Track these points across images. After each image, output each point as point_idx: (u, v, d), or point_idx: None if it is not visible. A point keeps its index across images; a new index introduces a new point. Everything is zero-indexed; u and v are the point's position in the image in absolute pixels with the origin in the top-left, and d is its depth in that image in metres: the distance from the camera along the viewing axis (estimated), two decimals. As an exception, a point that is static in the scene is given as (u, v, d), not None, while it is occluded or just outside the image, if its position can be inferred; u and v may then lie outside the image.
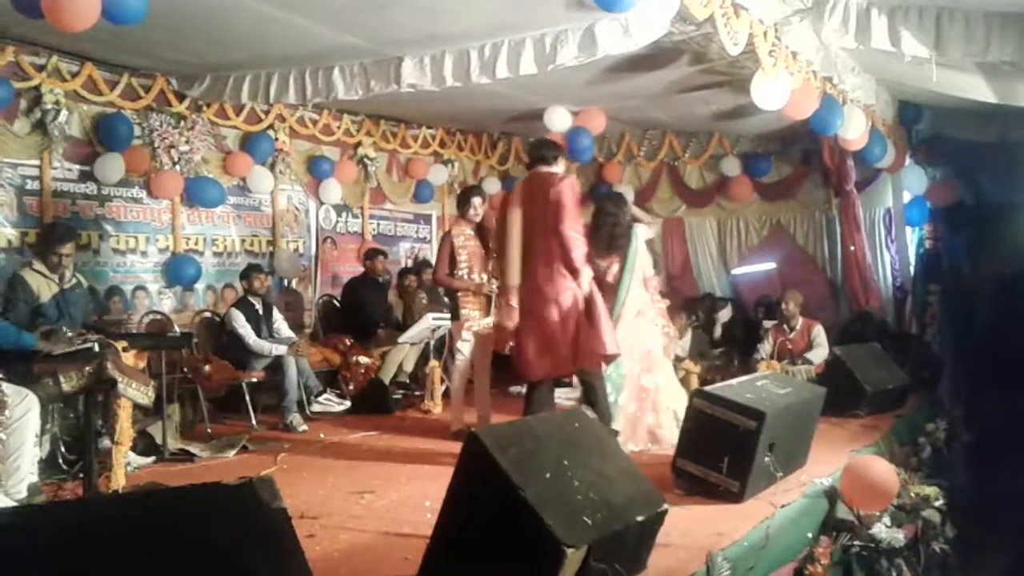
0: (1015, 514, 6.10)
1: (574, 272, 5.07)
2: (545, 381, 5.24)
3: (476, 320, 6.13)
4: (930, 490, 4.79)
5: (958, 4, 5.01)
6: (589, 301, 5.11)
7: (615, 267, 5.83)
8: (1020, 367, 7.64)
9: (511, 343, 5.35)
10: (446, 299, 7.06)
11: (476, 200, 6.24)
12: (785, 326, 7.83)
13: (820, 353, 7.57)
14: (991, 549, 5.83)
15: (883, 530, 4.27)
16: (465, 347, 6.14)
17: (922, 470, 5.70)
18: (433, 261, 9.64)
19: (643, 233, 5.99)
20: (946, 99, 6.99)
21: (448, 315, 6.96)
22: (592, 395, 5.20)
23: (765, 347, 7.84)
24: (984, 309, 8.94)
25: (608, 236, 5.73)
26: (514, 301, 5.16)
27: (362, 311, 8.05)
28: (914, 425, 6.53)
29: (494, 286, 6.10)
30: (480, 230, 6.29)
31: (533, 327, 5.11)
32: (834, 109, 6.32)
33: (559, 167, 5.36)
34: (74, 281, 5.33)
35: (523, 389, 8.19)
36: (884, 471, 4.38)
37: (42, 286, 5.09)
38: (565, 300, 5.06)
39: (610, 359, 5.23)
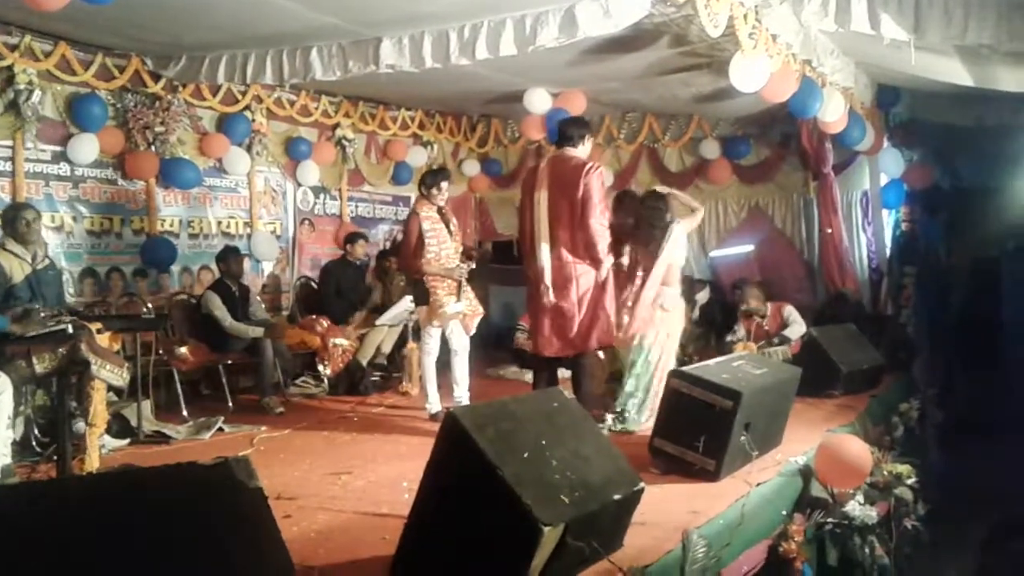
0: (985, 491, 6.20)
1: (597, 263, 5.27)
2: (554, 359, 5.48)
3: (448, 305, 6.06)
4: (903, 468, 4.84)
5: (936, -13, 5.03)
6: (602, 289, 5.34)
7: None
8: (992, 349, 7.76)
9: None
10: (402, 283, 6.98)
11: (445, 184, 6.17)
12: (755, 317, 7.85)
13: (797, 330, 7.63)
14: (962, 526, 5.92)
15: (856, 508, 4.31)
16: (436, 333, 6.11)
17: (895, 449, 5.75)
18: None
19: (683, 228, 5.88)
20: (924, 82, 7.02)
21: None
22: (580, 380, 5.41)
23: (739, 330, 7.90)
24: (958, 291, 9.05)
25: (649, 233, 5.72)
26: (548, 280, 5.34)
27: (340, 293, 8.02)
28: (888, 405, 6.59)
29: (464, 270, 6.10)
30: (441, 212, 6.17)
31: (550, 308, 5.34)
32: (813, 92, 6.34)
33: (585, 146, 5.50)
34: (47, 262, 5.27)
35: (500, 371, 8.33)
36: (857, 450, 4.43)
37: (15, 267, 5.03)
38: (583, 285, 5.29)
39: (603, 347, 5.45)
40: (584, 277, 5.31)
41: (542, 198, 5.40)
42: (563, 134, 5.53)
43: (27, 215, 5.16)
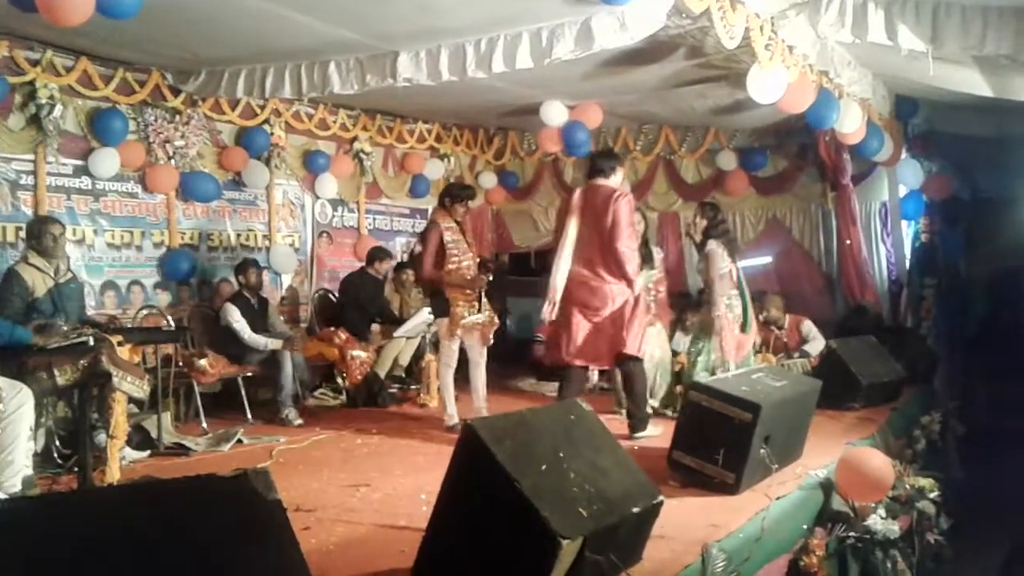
0: (1009, 506, 6.12)
1: (629, 281, 5.60)
2: (583, 368, 5.78)
3: (468, 317, 6.11)
4: (925, 482, 4.80)
5: (954, -3, 5.01)
6: (634, 305, 5.63)
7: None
8: (1014, 360, 7.66)
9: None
10: (418, 293, 6.99)
11: (470, 203, 6.35)
12: (772, 327, 7.83)
13: (816, 345, 7.58)
14: (986, 541, 5.85)
15: (878, 522, 4.27)
16: (456, 344, 6.13)
17: (917, 462, 5.71)
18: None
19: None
20: (942, 93, 6.98)
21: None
22: (632, 382, 5.75)
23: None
24: (979, 303, 8.97)
25: (731, 241, 6.33)
26: (557, 298, 5.67)
27: (358, 305, 8.04)
28: (909, 418, 6.54)
29: (484, 281, 6.19)
30: (459, 224, 6.25)
31: (585, 321, 5.65)
32: (830, 103, 6.32)
33: (617, 176, 5.86)
34: (69, 275, 5.31)
35: (518, 384, 8.33)
36: (879, 463, 4.39)
37: (37, 280, 5.07)
38: (617, 302, 5.61)
39: (628, 359, 5.68)
40: (619, 297, 5.62)
41: (572, 223, 5.76)
42: (595, 167, 5.90)
43: (54, 230, 5.20)
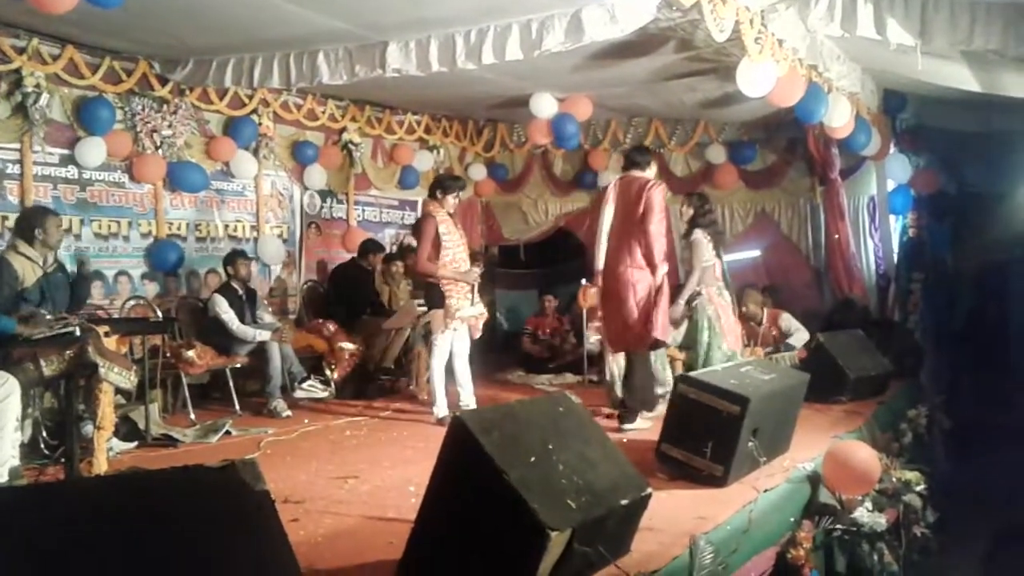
0: (995, 499, 6.17)
1: (653, 266, 5.75)
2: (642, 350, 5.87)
3: (465, 308, 6.13)
4: (912, 475, 4.83)
5: (943, -8, 5.02)
6: (658, 292, 5.76)
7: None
8: (1000, 354, 7.72)
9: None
10: (408, 285, 7.05)
11: (461, 195, 6.41)
12: (752, 323, 7.85)
13: (800, 337, 7.63)
14: (972, 534, 5.89)
15: (865, 514, 4.30)
16: (448, 336, 6.14)
17: (903, 455, 5.74)
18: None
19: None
20: (931, 88, 7.00)
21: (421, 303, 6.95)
22: (631, 374, 5.85)
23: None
24: (966, 297, 9.02)
25: (718, 234, 6.47)
26: (599, 282, 5.99)
27: (347, 297, 8.02)
28: (896, 411, 6.58)
29: (477, 273, 6.22)
30: (451, 216, 6.31)
31: (615, 309, 5.84)
32: (819, 97, 6.33)
33: (651, 170, 6.09)
34: (56, 265, 5.28)
35: (507, 376, 8.34)
36: (866, 456, 4.42)
37: (27, 269, 5.03)
38: (641, 288, 5.75)
39: (658, 345, 5.86)
40: (641, 284, 5.77)
41: (607, 212, 5.97)
42: (630, 160, 6.15)
43: (53, 223, 5.15)
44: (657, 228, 5.76)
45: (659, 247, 5.75)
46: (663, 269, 5.82)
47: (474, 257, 6.45)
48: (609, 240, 5.92)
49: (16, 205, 6.26)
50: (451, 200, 6.26)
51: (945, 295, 8.84)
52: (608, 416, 6.09)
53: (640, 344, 5.82)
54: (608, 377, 6.22)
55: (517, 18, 5.51)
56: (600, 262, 5.96)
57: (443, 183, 6.39)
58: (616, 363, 6.10)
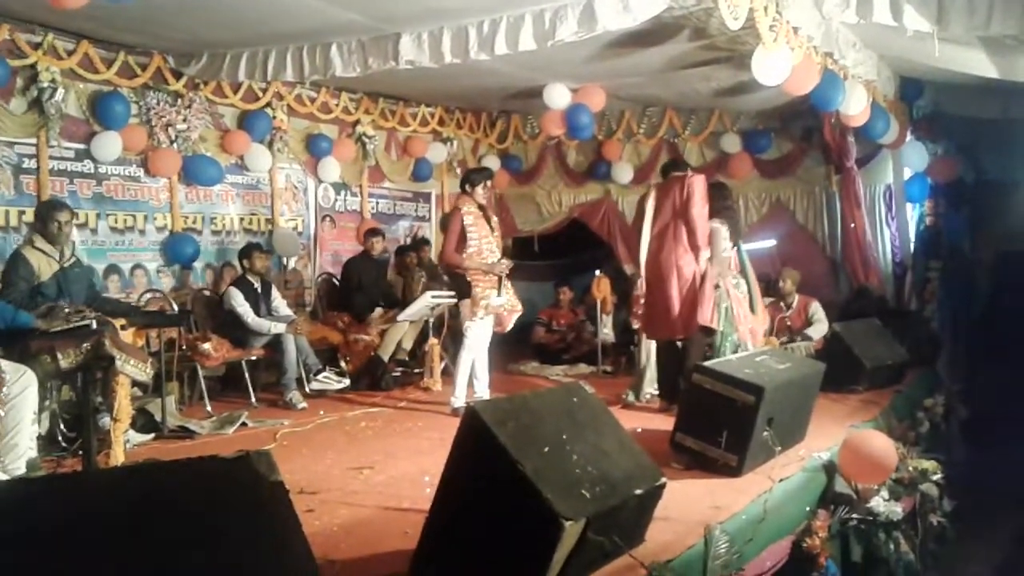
0: (1012, 488, 6.13)
1: (696, 250, 5.93)
2: (691, 336, 5.98)
3: (491, 298, 6.16)
4: (928, 464, 4.81)
5: (960, -23, 4.96)
6: (703, 278, 5.90)
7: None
8: (1018, 343, 7.65)
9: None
10: (446, 277, 7.10)
11: (489, 183, 6.45)
12: (782, 303, 7.84)
13: (820, 328, 7.58)
14: (988, 523, 5.86)
15: (881, 504, 4.28)
16: (478, 326, 6.17)
17: (920, 445, 5.71)
18: (432, 239, 9.71)
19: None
20: (948, 75, 6.94)
21: (448, 293, 6.99)
22: (687, 360, 5.83)
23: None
24: (983, 286, 8.95)
25: (735, 223, 6.50)
26: (643, 273, 6.18)
27: (361, 289, 8.04)
28: (913, 400, 6.54)
29: (504, 266, 6.23)
30: (483, 209, 6.36)
31: (659, 295, 6.00)
32: (835, 85, 6.28)
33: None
34: (73, 259, 5.31)
35: (521, 367, 8.37)
36: (882, 445, 4.40)
37: (43, 264, 5.07)
38: (686, 273, 5.92)
39: (705, 330, 5.94)
40: (686, 268, 5.93)
41: (649, 205, 6.17)
42: (669, 166, 6.52)
43: (61, 216, 5.17)
44: (700, 212, 5.93)
45: (702, 231, 5.94)
46: (706, 253, 5.97)
47: (505, 250, 6.49)
48: (652, 234, 6.12)
49: (33, 199, 6.30)
50: (480, 191, 6.32)
51: (962, 284, 8.77)
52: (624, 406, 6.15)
53: (686, 330, 5.93)
54: (640, 365, 6.37)
55: (530, 8, 5.50)
56: (643, 258, 6.15)
57: (469, 175, 6.51)
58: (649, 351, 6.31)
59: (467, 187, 6.40)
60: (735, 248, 6.30)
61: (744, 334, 6.06)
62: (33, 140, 6.35)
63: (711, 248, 6.17)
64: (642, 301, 6.33)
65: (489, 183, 6.41)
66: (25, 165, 6.34)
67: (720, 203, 6.38)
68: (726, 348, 6.05)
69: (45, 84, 6.25)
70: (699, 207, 5.95)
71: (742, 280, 6.28)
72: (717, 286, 6.11)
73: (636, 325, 6.73)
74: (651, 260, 6.10)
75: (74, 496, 2.07)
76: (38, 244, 5.14)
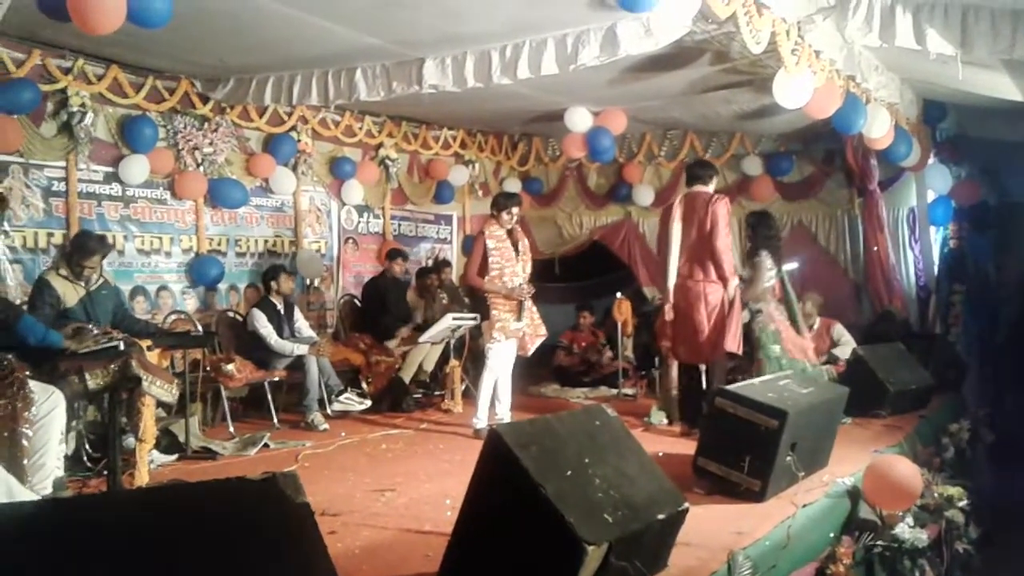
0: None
1: (724, 281, 5.97)
2: (716, 360, 6.02)
3: (508, 322, 6.17)
4: (954, 490, 4.75)
5: (984, 1, 4.95)
6: (731, 304, 5.95)
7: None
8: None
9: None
10: (467, 299, 7.15)
11: (516, 210, 6.44)
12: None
13: (846, 350, 7.52)
14: (1015, 550, 5.77)
15: (906, 530, 4.24)
16: (498, 348, 6.20)
17: (945, 470, 5.65)
18: (453, 261, 9.75)
19: None
20: (971, 97, 6.91)
21: (469, 315, 7.03)
22: (710, 383, 5.92)
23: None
24: (1008, 309, 8.85)
25: (777, 250, 6.52)
26: (671, 298, 6.15)
27: (382, 311, 8.08)
28: (937, 425, 6.47)
29: (525, 290, 6.23)
30: (510, 234, 6.39)
31: (687, 321, 6.04)
32: (857, 108, 6.27)
33: (713, 183, 6.33)
34: (101, 280, 5.38)
35: (542, 389, 8.35)
36: (907, 471, 4.35)
37: (68, 291, 5.14)
38: (713, 300, 5.97)
39: (730, 355, 6.00)
40: (712, 295, 5.97)
41: (676, 229, 6.15)
42: (693, 175, 6.36)
43: (86, 263, 5.20)
44: (724, 243, 5.97)
45: (728, 261, 5.98)
46: (734, 282, 6.01)
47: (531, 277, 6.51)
48: (680, 255, 6.12)
49: (62, 221, 6.40)
50: (505, 217, 6.34)
51: (987, 307, 8.69)
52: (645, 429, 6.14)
53: (713, 354, 5.96)
54: (664, 389, 6.41)
55: (553, 33, 5.54)
56: (671, 279, 6.14)
57: (496, 201, 6.57)
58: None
59: (493, 211, 6.46)
60: (777, 274, 6.32)
61: (795, 352, 6.15)
62: (63, 163, 6.46)
63: (754, 278, 6.26)
64: (669, 323, 6.30)
65: (516, 209, 6.39)
66: (55, 188, 6.44)
67: (764, 233, 6.50)
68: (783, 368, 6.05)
69: (75, 108, 6.35)
70: (722, 238, 5.97)
71: (781, 306, 6.32)
72: (760, 311, 6.12)
73: (665, 346, 6.69)
74: (680, 285, 6.11)
75: (101, 518, 2.09)
76: (62, 271, 5.21)
